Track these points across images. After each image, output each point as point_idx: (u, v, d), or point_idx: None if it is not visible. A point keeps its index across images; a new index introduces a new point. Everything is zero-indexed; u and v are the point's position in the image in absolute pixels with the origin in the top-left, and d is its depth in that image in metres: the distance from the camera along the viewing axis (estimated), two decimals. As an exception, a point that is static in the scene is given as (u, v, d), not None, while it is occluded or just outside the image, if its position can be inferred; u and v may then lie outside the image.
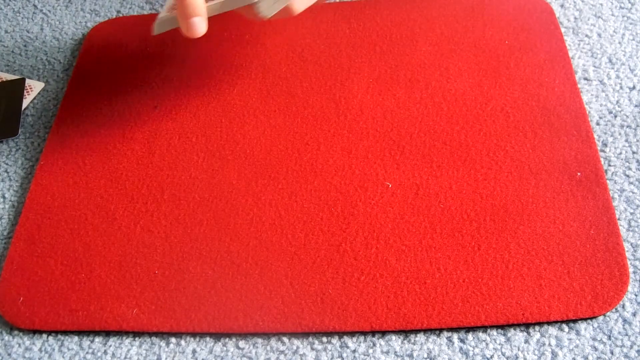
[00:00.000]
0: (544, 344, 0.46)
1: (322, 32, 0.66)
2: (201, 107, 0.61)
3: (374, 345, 0.47)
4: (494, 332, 0.47)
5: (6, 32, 0.72)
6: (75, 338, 0.49)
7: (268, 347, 0.47)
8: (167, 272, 0.51)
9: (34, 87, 0.66)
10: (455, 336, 0.47)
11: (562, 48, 0.61)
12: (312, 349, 0.47)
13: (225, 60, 0.65)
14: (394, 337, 0.47)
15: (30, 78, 0.67)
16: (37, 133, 0.62)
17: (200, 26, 0.52)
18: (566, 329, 0.46)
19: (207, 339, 0.48)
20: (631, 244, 0.50)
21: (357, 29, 0.66)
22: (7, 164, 0.60)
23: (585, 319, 0.47)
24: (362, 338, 0.47)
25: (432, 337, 0.47)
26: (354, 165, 0.55)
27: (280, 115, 0.60)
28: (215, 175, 0.56)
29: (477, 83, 0.60)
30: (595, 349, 0.45)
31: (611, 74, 0.60)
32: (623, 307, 0.47)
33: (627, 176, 0.53)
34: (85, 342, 0.49)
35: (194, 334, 0.49)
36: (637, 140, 0.55)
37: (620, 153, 0.55)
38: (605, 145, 0.55)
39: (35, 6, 0.75)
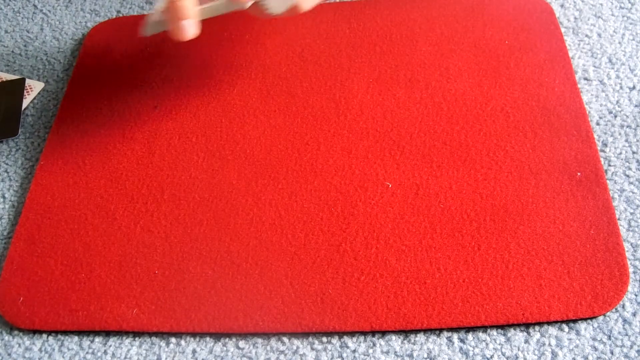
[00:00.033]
0: (544, 344, 0.46)
1: (322, 32, 0.66)
2: (201, 107, 0.61)
3: (374, 345, 0.47)
4: (494, 332, 0.47)
5: (6, 32, 0.72)
6: (75, 338, 0.49)
7: (268, 347, 0.47)
8: (167, 272, 0.51)
9: (34, 87, 0.66)
10: (455, 336, 0.47)
11: (562, 48, 0.61)
12: (312, 349, 0.47)
13: (225, 60, 0.65)
14: (394, 337, 0.47)
15: (30, 78, 0.67)
16: (37, 133, 0.62)
17: (189, 29, 0.51)
18: (566, 329, 0.46)
19: (207, 339, 0.48)
20: (631, 244, 0.50)
21: (357, 29, 0.66)
22: (7, 164, 0.60)
23: (585, 319, 0.47)
24: (362, 338, 0.47)
25: (432, 337, 0.47)
26: (354, 165, 0.55)
27: (280, 115, 0.60)
28: (215, 175, 0.56)
29: (477, 83, 0.60)
30: (595, 349, 0.45)
31: (611, 74, 0.60)
32: (623, 307, 0.47)
33: (627, 176, 0.53)
34: (85, 342, 0.49)
35: (194, 334, 0.49)
36: (637, 140, 0.55)
37: (620, 153, 0.55)
38: (605, 145, 0.55)
39: (35, 6, 0.75)
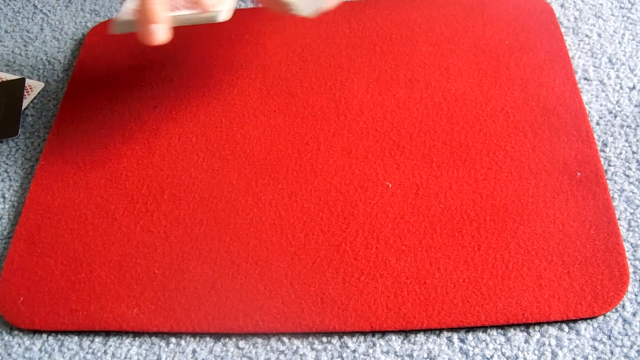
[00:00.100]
0: (544, 344, 0.46)
1: (322, 32, 0.66)
2: (201, 107, 0.61)
3: (374, 345, 0.47)
4: (494, 332, 0.47)
5: (6, 32, 0.72)
6: (75, 338, 0.49)
7: (268, 347, 0.47)
8: (167, 272, 0.51)
9: (34, 87, 0.66)
10: (455, 336, 0.47)
11: (562, 48, 0.61)
12: (312, 349, 0.47)
13: (225, 60, 0.65)
14: (394, 337, 0.47)
15: (30, 78, 0.67)
16: (37, 133, 0.62)
17: (159, 34, 0.51)
18: (566, 329, 0.46)
19: (207, 339, 0.48)
20: (631, 244, 0.50)
21: (357, 29, 0.66)
22: (7, 164, 0.60)
23: (585, 319, 0.47)
24: (362, 338, 0.47)
25: (432, 337, 0.47)
26: (354, 165, 0.55)
27: (280, 115, 0.60)
28: (215, 175, 0.56)
29: (477, 83, 0.60)
30: (595, 349, 0.45)
31: (611, 74, 0.60)
32: (623, 307, 0.47)
33: (627, 176, 0.53)
34: (85, 342, 0.49)
35: (194, 334, 0.49)
36: (637, 140, 0.55)
37: (620, 153, 0.55)
38: (605, 145, 0.55)
39: (35, 6, 0.75)
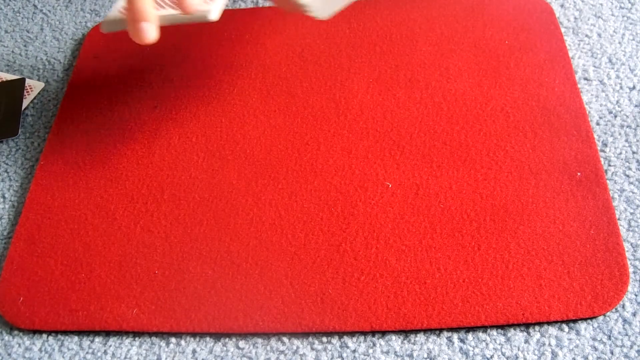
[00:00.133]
0: (544, 344, 0.46)
1: (322, 32, 0.66)
2: (201, 107, 0.61)
3: (374, 345, 0.47)
4: (494, 332, 0.47)
5: (6, 32, 0.72)
6: (75, 338, 0.49)
7: (268, 347, 0.47)
8: (167, 272, 0.51)
9: (34, 87, 0.66)
10: (455, 336, 0.47)
11: (562, 48, 0.61)
12: (312, 349, 0.47)
13: (225, 60, 0.65)
14: (394, 337, 0.47)
15: (30, 78, 0.67)
16: (37, 133, 0.62)
17: (149, 32, 0.50)
18: (566, 329, 0.46)
19: (207, 339, 0.48)
20: (631, 244, 0.50)
21: (357, 29, 0.66)
22: (7, 164, 0.60)
23: (585, 319, 0.47)
24: (362, 338, 0.47)
25: (432, 337, 0.47)
26: (354, 165, 0.55)
27: (280, 115, 0.60)
28: (215, 175, 0.56)
29: (477, 83, 0.60)
30: (595, 349, 0.45)
31: (611, 74, 0.60)
32: (623, 307, 0.47)
33: (627, 176, 0.53)
34: (85, 342, 0.49)
35: (194, 334, 0.49)
36: (637, 140, 0.55)
37: (620, 153, 0.55)
38: (605, 145, 0.55)
39: (35, 6, 0.75)
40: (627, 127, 0.56)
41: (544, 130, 0.56)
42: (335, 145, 0.57)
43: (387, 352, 0.46)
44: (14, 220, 0.56)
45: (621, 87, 0.59)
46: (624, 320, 0.46)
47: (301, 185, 0.55)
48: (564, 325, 0.46)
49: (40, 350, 0.49)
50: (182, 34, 0.68)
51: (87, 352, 0.48)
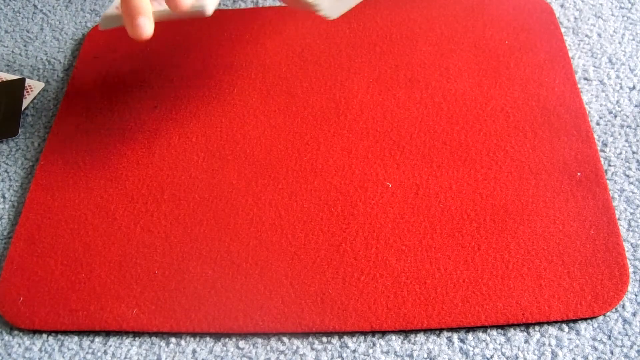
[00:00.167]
0: (544, 344, 0.46)
1: (322, 32, 0.66)
2: (201, 107, 0.61)
3: (374, 345, 0.47)
4: (494, 332, 0.47)
5: (6, 32, 0.72)
6: (75, 338, 0.49)
7: (268, 347, 0.47)
8: (167, 272, 0.51)
9: (34, 87, 0.66)
10: (455, 336, 0.47)
11: (562, 48, 0.61)
12: (312, 349, 0.47)
13: (225, 60, 0.65)
14: (394, 337, 0.47)
15: (30, 78, 0.67)
16: (37, 133, 0.62)
17: (145, 27, 0.50)
18: (566, 329, 0.46)
19: (207, 339, 0.48)
20: (631, 244, 0.50)
21: (357, 29, 0.66)
22: (7, 164, 0.60)
23: (585, 319, 0.47)
24: (362, 338, 0.47)
25: (432, 337, 0.47)
26: (354, 165, 0.55)
27: (280, 115, 0.60)
28: (215, 175, 0.56)
29: (477, 83, 0.60)
30: (595, 349, 0.45)
31: (611, 74, 0.60)
32: (623, 307, 0.47)
33: (627, 176, 0.53)
34: (85, 342, 0.49)
35: (194, 334, 0.49)
36: (637, 140, 0.55)
37: (620, 153, 0.55)
38: (605, 145, 0.55)
39: (35, 6, 0.75)
40: (627, 127, 0.56)
41: (544, 130, 0.56)
42: (335, 145, 0.57)
43: (387, 352, 0.46)
44: (14, 220, 0.56)
45: (621, 87, 0.59)
46: (624, 320, 0.46)
47: (301, 185, 0.55)
48: (564, 325, 0.46)
49: (40, 350, 0.49)
50: (182, 34, 0.68)
51: (87, 352, 0.48)
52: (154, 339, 0.49)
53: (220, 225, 0.53)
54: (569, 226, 0.50)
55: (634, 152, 0.55)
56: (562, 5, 0.67)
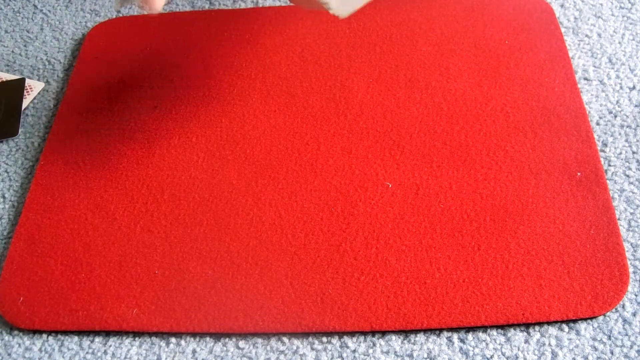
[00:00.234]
0: (544, 344, 0.46)
1: (322, 32, 0.66)
2: (201, 107, 0.61)
3: (374, 345, 0.47)
4: (494, 332, 0.47)
5: (6, 32, 0.72)
6: (75, 338, 0.49)
7: (268, 347, 0.47)
8: (167, 272, 0.51)
9: (34, 87, 0.66)
10: (455, 336, 0.47)
11: (562, 48, 0.61)
12: (312, 349, 0.47)
13: (225, 60, 0.65)
14: (394, 337, 0.47)
15: (30, 78, 0.67)
16: (37, 133, 0.62)
17: (157, 0, 0.50)
18: (566, 329, 0.46)
19: (207, 339, 0.48)
20: (631, 244, 0.50)
21: (357, 29, 0.66)
22: (7, 164, 0.60)
23: (585, 319, 0.47)
24: (362, 338, 0.47)
25: (432, 337, 0.47)
26: (354, 165, 0.55)
27: (280, 115, 0.60)
28: (215, 175, 0.56)
29: (477, 83, 0.60)
30: (595, 349, 0.45)
31: (611, 74, 0.60)
32: (623, 307, 0.47)
33: (627, 176, 0.53)
34: (85, 342, 0.49)
35: (194, 334, 0.49)
36: (637, 140, 0.55)
37: (620, 153, 0.55)
38: (605, 145, 0.55)
39: (35, 6, 0.75)
40: (627, 127, 0.56)
41: (544, 130, 0.56)
42: (335, 145, 0.57)
43: (387, 352, 0.46)
44: (14, 220, 0.56)
45: (621, 87, 0.59)
46: (624, 320, 0.46)
47: (301, 185, 0.55)
48: (564, 325, 0.46)
49: (40, 350, 0.49)
50: (182, 34, 0.68)
51: (87, 352, 0.48)
52: (154, 339, 0.49)
53: (220, 225, 0.53)
54: (569, 226, 0.50)
55: (634, 152, 0.55)
56: (562, 5, 0.67)
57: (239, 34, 0.67)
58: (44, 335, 0.50)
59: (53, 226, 0.54)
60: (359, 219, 0.52)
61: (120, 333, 0.49)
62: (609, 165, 0.54)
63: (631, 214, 0.51)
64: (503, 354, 0.46)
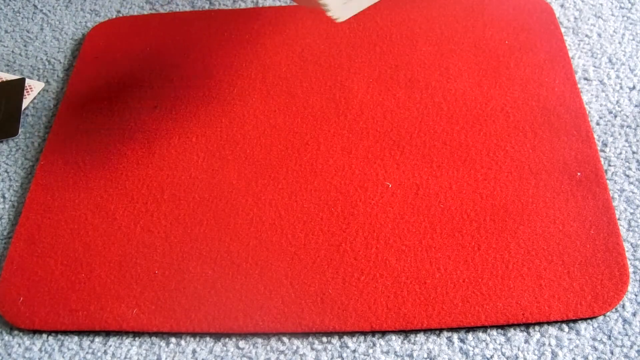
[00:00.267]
0: (544, 344, 0.46)
1: (322, 32, 0.66)
2: (201, 107, 0.61)
3: (374, 345, 0.47)
4: (494, 332, 0.47)
5: (6, 32, 0.72)
6: (75, 338, 0.49)
7: (268, 347, 0.47)
8: (167, 272, 0.51)
9: (34, 87, 0.66)
10: (455, 336, 0.47)
11: (562, 48, 0.61)
12: (312, 349, 0.47)
13: (225, 60, 0.65)
14: (394, 337, 0.47)
15: (30, 78, 0.67)
16: (37, 133, 0.62)
17: None
18: (566, 329, 0.46)
19: (207, 339, 0.48)
20: (631, 244, 0.50)
21: (357, 29, 0.66)
22: (7, 164, 0.60)
23: (585, 319, 0.47)
24: (362, 338, 0.47)
25: (432, 337, 0.47)
26: (354, 165, 0.55)
27: (280, 115, 0.60)
28: (215, 175, 0.56)
29: (477, 83, 0.60)
30: (595, 349, 0.45)
31: (611, 74, 0.60)
32: (623, 307, 0.47)
33: (627, 176, 0.53)
34: (85, 342, 0.49)
35: (194, 334, 0.49)
36: (637, 140, 0.55)
37: (620, 153, 0.55)
38: (605, 145, 0.55)
39: (35, 6, 0.75)
40: (627, 127, 0.56)
41: (544, 130, 0.56)
42: (335, 145, 0.57)
43: (387, 352, 0.46)
44: (14, 220, 0.56)
45: (621, 87, 0.59)
46: (624, 320, 0.46)
47: (301, 185, 0.55)
48: (564, 325, 0.46)
49: (40, 350, 0.49)
50: (182, 34, 0.68)
51: (87, 352, 0.48)
52: (154, 339, 0.49)
53: (220, 225, 0.53)
54: (569, 226, 0.50)
55: (634, 152, 0.55)
56: (562, 5, 0.67)
57: (239, 34, 0.67)
58: (44, 335, 0.50)
59: (53, 226, 0.54)
60: (359, 219, 0.52)
61: (120, 333, 0.49)
62: (609, 165, 0.54)
63: (631, 214, 0.51)
64: (503, 354, 0.46)
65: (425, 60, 0.62)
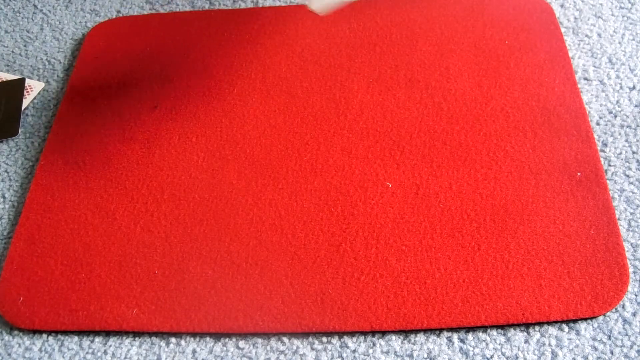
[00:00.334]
0: (544, 344, 0.46)
1: (322, 32, 0.66)
2: (201, 107, 0.61)
3: (374, 345, 0.47)
4: (494, 332, 0.47)
5: (6, 32, 0.72)
6: (75, 338, 0.49)
7: (268, 347, 0.47)
8: (167, 272, 0.51)
9: (34, 87, 0.66)
10: (455, 336, 0.47)
11: (562, 48, 0.61)
12: (312, 349, 0.47)
13: (225, 60, 0.65)
14: (394, 337, 0.47)
15: (30, 78, 0.67)
16: (37, 133, 0.62)
17: None
18: (566, 329, 0.46)
19: (207, 339, 0.48)
20: (631, 244, 0.50)
21: (357, 29, 0.66)
22: (7, 164, 0.60)
23: (585, 319, 0.47)
24: (362, 338, 0.47)
25: (432, 337, 0.47)
26: (354, 165, 0.55)
27: (280, 115, 0.60)
28: (215, 175, 0.56)
29: (477, 83, 0.60)
30: (595, 349, 0.45)
31: (611, 74, 0.60)
32: (623, 307, 0.47)
33: (627, 176, 0.53)
34: (85, 342, 0.49)
35: (194, 334, 0.49)
36: (637, 140, 0.55)
37: (620, 153, 0.55)
38: (605, 145, 0.55)
39: (35, 6, 0.75)
40: (627, 127, 0.56)
41: (544, 130, 0.56)
42: (335, 145, 0.57)
43: (387, 352, 0.46)
44: (14, 220, 0.56)
45: (621, 87, 0.59)
46: (624, 320, 0.46)
47: (301, 185, 0.55)
48: (564, 325, 0.46)
49: (40, 350, 0.49)
50: (182, 34, 0.68)
51: (87, 352, 0.48)
52: (154, 339, 0.49)
53: (220, 225, 0.53)
54: (569, 226, 0.50)
55: (634, 152, 0.55)
56: (562, 5, 0.67)
57: (239, 34, 0.67)
58: (44, 335, 0.50)
59: (53, 226, 0.54)
60: (359, 219, 0.52)
61: (120, 333, 0.49)
62: (609, 165, 0.54)
63: (631, 214, 0.51)
64: (503, 354, 0.46)
65: (425, 60, 0.62)
